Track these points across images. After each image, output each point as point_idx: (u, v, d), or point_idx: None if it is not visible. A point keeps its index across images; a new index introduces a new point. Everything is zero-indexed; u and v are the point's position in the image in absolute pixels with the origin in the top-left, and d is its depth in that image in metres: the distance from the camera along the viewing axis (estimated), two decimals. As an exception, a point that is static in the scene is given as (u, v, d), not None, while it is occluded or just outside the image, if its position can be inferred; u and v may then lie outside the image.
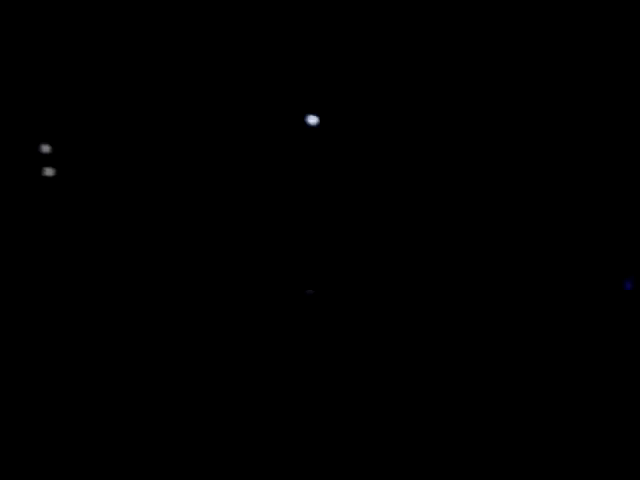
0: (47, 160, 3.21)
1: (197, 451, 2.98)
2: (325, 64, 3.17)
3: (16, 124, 3.15)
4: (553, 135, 3.22)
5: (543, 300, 3.19)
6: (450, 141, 3.21)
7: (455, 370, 3.09)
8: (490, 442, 2.95)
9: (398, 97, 3.20)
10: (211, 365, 3.12)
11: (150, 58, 3.16)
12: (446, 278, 3.24)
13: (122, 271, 3.21)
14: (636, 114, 3.13)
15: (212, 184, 3.20)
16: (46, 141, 3.19)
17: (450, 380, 3.08)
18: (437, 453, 2.94)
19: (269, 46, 3.12)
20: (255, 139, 3.20)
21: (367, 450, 2.96)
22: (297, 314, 3.24)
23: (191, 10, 3.13)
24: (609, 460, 2.89)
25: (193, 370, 3.11)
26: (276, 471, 2.93)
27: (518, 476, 2.89)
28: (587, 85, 3.14)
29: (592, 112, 3.16)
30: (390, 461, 2.93)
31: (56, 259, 3.22)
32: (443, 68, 3.16)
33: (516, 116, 3.20)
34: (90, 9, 3.13)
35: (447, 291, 3.23)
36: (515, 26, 3.15)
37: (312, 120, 2.91)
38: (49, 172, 3.16)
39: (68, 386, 3.06)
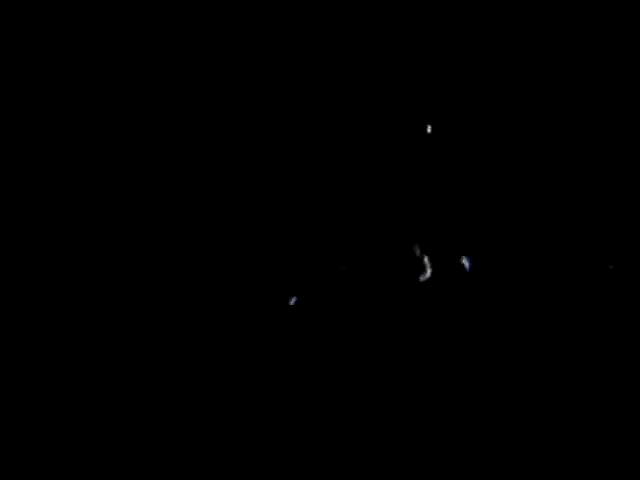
0: (50, 159, 3.21)
1: (197, 451, 2.98)
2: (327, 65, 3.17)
3: (16, 124, 3.15)
4: (553, 135, 3.22)
5: (541, 298, 3.19)
6: (451, 142, 3.21)
7: (455, 370, 3.09)
8: (490, 442, 2.95)
9: (398, 99, 3.20)
10: (211, 365, 3.12)
11: (150, 58, 3.16)
12: (446, 277, 3.24)
13: (122, 271, 3.21)
14: (636, 114, 3.13)
15: (212, 185, 3.20)
16: (46, 141, 3.19)
17: (450, 380, 3.08)
18: (437, 453, 2.94)
19: (270, 47, 3.13)
20: (257, 139, 3.20)
21: (367, 450, 2.95)
22: (297, 313, 3.24)
23: (191, 10, 3.13)
24: (609, 460, 2.89)
25: (193, 370, 3.11)
26: (276, 471, 2.93)
27: (518, 476, 2.89)
28: (587, 85, 3.14)
29: (592, 112, 3.16)
30: (390, 461, 2.93)
31: (56, 259, 3.22)
32: (444, 69, 3.17)
33: (517, 117, 3.20)
34: (90, 9, 3.13)
35: (447, 290, 3.23)
36: (515, 26, 3.16)
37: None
38: (51, 171, 3.16)
39: (68, 386, 3.06)
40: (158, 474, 2.90)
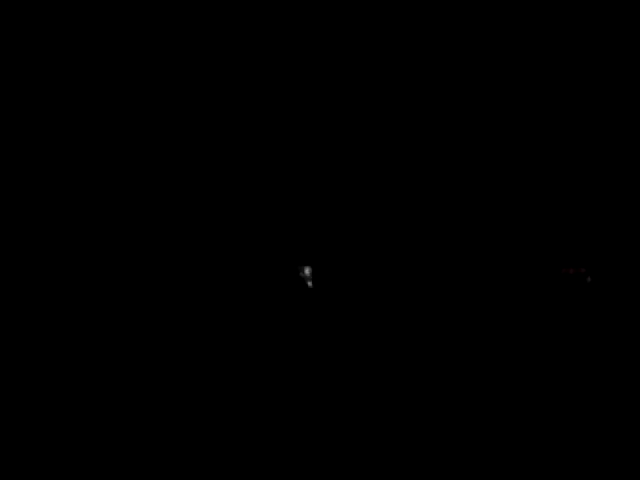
0: (49, 159, 3.22)
1: (197, 451, 2.99)
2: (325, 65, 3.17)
3: (16, 124, 3.16)
4: (553, 135, 3.22)
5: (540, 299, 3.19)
6: (451, 141, 3.22)
7: (455, 369, 3.10)
8: (490, 442, 2.95)
9: (398, 98, 3.20)
10: (211, 364, 3.12)
11: (150, 58, 3.16)
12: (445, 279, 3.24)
13: (122, 271, 3.22)
14: (636, 114, 3.13)
15: (212, 184, 3.21)
16: (47, 140, 3.20)
17: (450, 380, 3.08)
18: (437, 453, 2.94)
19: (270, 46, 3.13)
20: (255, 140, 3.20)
21: (367, 450, 2.96)
22: (297, 312, 3.24)
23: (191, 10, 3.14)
24: (609, 460, 2.90)
25: (193, 370, 3.11)
26: (276, 471, 2.93)
27: (518, 476, 2.89)
28: (587, 85, 3.15)
29: (592, 112, 3.16)
30: (390, 461, 2.93)
31: (56, 259, 3.23)
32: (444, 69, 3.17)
33: (516, 116, 3.20)
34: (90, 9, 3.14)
35: (446, 290, 3.23)
36: (515, 26, 3.16)
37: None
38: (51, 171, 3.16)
39: (68, 386, 3.07)
40: (158, 473, 2.91)
